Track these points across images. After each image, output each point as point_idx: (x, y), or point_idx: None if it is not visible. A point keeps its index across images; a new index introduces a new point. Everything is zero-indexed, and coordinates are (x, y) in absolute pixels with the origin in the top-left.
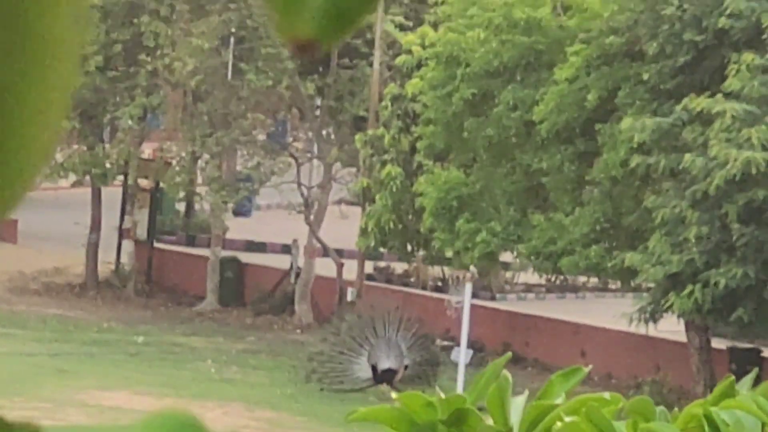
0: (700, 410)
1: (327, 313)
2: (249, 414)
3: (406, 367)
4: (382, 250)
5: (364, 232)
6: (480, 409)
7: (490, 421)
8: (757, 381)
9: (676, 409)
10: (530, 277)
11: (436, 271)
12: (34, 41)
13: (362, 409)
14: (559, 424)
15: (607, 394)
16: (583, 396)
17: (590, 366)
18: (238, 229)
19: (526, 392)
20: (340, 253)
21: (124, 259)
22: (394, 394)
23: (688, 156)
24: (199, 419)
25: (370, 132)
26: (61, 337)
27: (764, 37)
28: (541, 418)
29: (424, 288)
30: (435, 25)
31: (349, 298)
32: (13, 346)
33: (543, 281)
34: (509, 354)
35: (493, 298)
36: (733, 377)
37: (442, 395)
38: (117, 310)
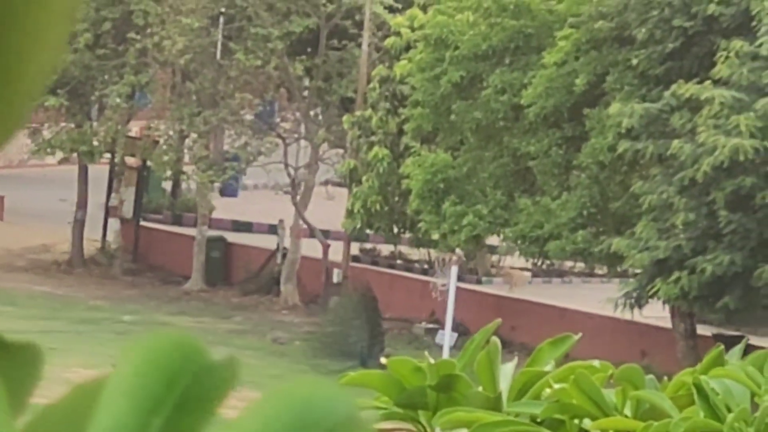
0: (689, 379)
1: (313, 294)
2: (235, 394)
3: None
4: (368, 231)
5: (350, 213)
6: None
7: (479, 388)
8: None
9: (665, 378)
10: (516, 260)
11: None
12: None
13: (352, 374)
14: (548, 390)
15: (596, 362)
16: (572, 363)
17: (579, 334)
18: (224, 208)
19: (515, 359)
20: (326, 234)
21: (110, 237)
22: (383, 360)
23: (676, 142)
24: (194, 339)
25: (357, 113)
26: (48, 314)
27: (753, 24)
28: (531, 384)
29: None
30: (424, 7)
31: (335, 279)
32: (2, 323)
33: (529, 265)
34: (498, 321)
35: (478, 282)
36: (722, 346)
37: (432, 361)
38: (104, 288)
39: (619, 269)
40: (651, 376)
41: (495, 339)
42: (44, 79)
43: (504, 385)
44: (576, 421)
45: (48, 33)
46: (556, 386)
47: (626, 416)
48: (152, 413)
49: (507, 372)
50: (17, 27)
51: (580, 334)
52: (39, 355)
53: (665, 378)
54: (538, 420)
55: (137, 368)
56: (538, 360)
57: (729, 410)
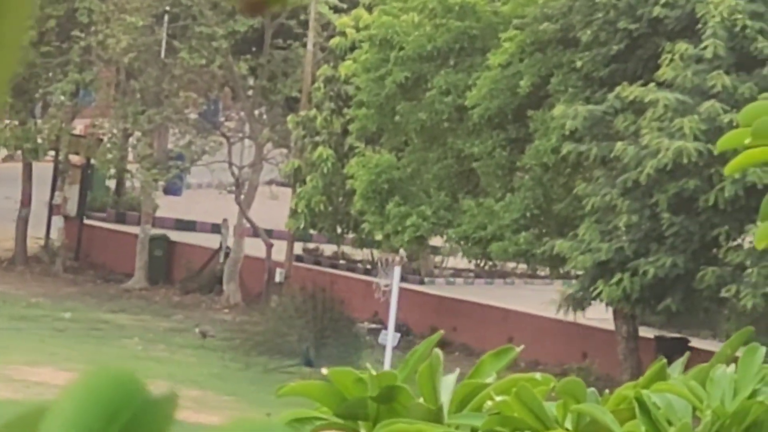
0: (631, 392)
1: (255, 293)
2: (180, 393)
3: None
4: (311, 231)
5: (294, 213)
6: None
7: (420, 399)
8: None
9: (607, 391)
10: (459, 261)
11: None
12: None
13: (292, 384)
14: (489, 403)
15: (538, 375)
16: (514, 376)
17: (522, 346)
18: (168, 207)
19: (457, 371)
20: (269, 233)
21: (53, 234)
22: (325, 370)
23: (619, 144)
24: (135, 375)
25: (302, 113)
26: None
27: (698, 26)
28: (472, 397)
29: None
30: (369, 8)
31: (277, 279)
32: None
33: (472, 266)
34: (441, 332)
35: (421, 282)
36: (664, 360)
37: (373, 372)
38: (45, 285)
39: (561, 271)
40: (593, 389)
41: (437, 350)
42: (3, 91)
43: (445, 397)
44: None
45: (4, 46)
46: (498, 398)
47: (567, 430)
48: None
49: (448, 384)
50: None
51: (522, 346)
52: None
53: (606, 391)
54: None
55: (77, 403)
56: (480, 372)
57: (670, 424)
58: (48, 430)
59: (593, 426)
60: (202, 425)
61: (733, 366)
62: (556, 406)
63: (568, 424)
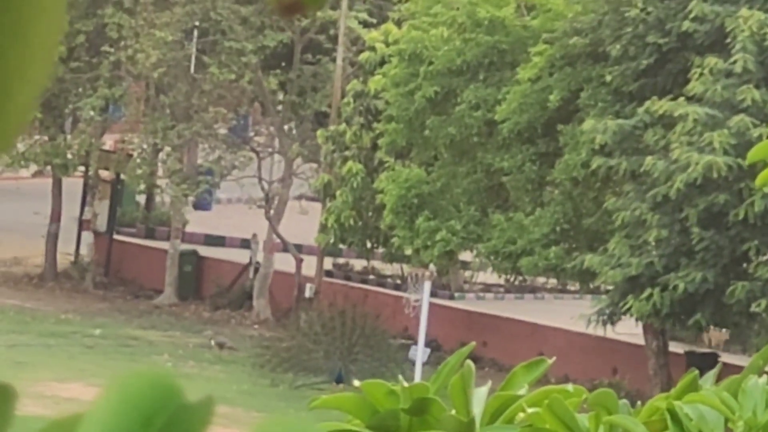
0: (663, 404)
1: (285, 309)
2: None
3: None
4: (341, 246)
5: (323, 228)
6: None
7: (452, 411)
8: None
9: (639, 402)
10: (489, 276)
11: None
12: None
13: (325, 397)
14: (521, 415)
15: (570, 386)
16: (546, 388)
17: (554, 357)
18: (198, 222)
19: (489, 383)
20: (299, 248)
21: (83, 250)
22: (357, 382)
23: (649, 159)
24: (174, 378)
25: (331, 128)
26: (18, 328)
27: (728, 41)
28: (504, 408)
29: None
30: (399, 23)
31: (307, 294)
32: None
33: (502, 281)
34: (473, 344)
35: (451, 297)
36: (696, 371)
37: (405, 384)
38: (75, 301)
39: (591, 286)
40: (624, 401)
41: (469, 362)
42: (32, 103)
43: (477, 408)
44: None
45: (33, 60)
46: (530, 410)
47: None
48: None
49: (480, 395)
50: (3, 53)
51: (554, 358)
52: (10, 395)
53: (639, 403)
54: None
55: (114, 407)
56: (511, 384)
57: None
58: None
59: None
60: None
61: (765, 377)
62: (588, 418)
63: None
